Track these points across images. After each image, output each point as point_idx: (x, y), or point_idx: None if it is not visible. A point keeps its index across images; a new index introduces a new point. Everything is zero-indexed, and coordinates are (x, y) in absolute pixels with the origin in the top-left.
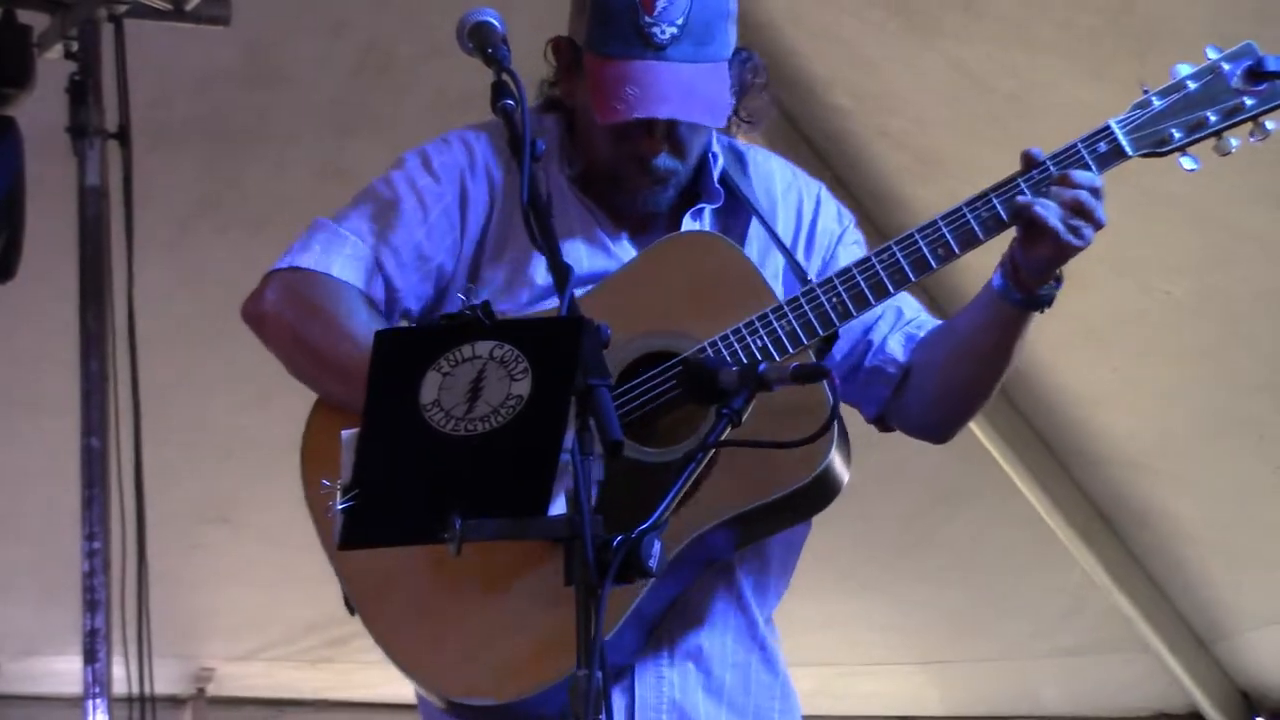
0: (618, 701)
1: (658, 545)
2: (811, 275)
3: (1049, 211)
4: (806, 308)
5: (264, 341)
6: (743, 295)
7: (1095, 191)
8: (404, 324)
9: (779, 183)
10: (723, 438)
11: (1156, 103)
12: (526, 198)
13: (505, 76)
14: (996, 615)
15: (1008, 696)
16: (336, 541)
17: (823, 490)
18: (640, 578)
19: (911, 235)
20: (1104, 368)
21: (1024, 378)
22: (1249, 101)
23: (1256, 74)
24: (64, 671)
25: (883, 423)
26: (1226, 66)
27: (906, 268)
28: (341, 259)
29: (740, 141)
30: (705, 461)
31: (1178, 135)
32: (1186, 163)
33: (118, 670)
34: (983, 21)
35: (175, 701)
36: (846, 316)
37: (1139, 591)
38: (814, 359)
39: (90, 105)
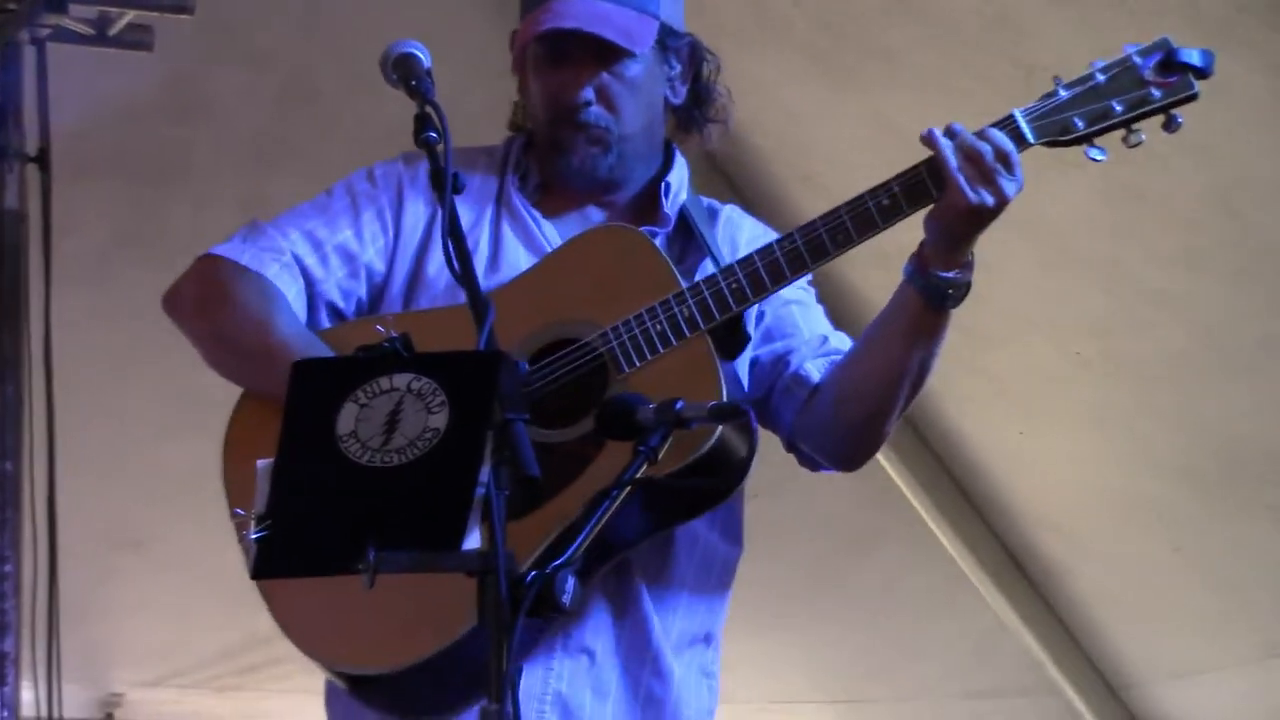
0: None
1: (571, 581)
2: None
3: (948, 154)
4: (706, 293)
5: (179, 326)
6: (650, 285)
7: (1002, 156)
8: (331, 321)
9: (746, 233)
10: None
11: (1063, 93)
12: (447, 229)
13: (428, 109)
14: (908, 656)
15: None
16: (249, 572)
17: (717, 466)
18: (554, 613)
19: (813, 222)
20: (1013, 428)
21: (938, 423)
22: (1156, 93)
23: (1168, 66)
24: None
25: (794, 447)
26: (1139, 60)
27: (805, 253)
28: (255, 250)
29: (718, 202)
30: (619, 499)
31: (1080, 124)
32: (1095, 154)
33: (26, 694)
34: (902, 72)
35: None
36: (743, 301)
37: (1049, 636)
38: (720, 361)
39: (10, 127)
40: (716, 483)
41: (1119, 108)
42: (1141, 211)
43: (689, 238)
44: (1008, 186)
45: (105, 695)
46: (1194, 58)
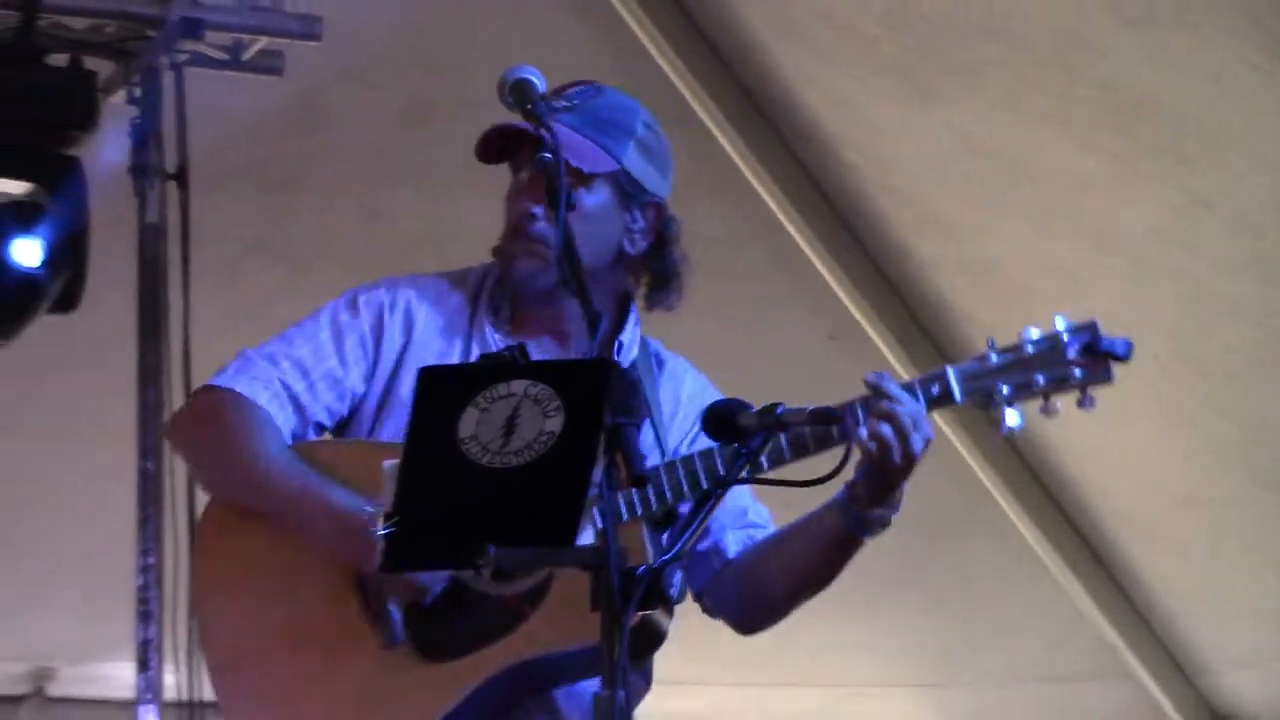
0: None
1: (679, 575)
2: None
3: (862, 428)
4: (651, 489)
5: (178, 453)
6: None
7: (912, 418)
8: (319, 437)
9: (688, 388)
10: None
11: (994, 357)
12: (559, 247)
13: (544, 132)
14: (987, 642)
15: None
16: (378, 564)
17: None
18: (660, 605)
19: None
20: (1088, 425)
21: None
22: (1077, 373)
23: (1092, 350)
24: (117, 677)
25: (699, 600)
26: (1067, 338)
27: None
28: (247, 379)
29: (666, 350)
30: (720, 499)
31: (1005, 391)
32: (1011, 417)
33: (168, 678)
34: (981, 90)
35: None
36: (680, 499)
37: (1124, 623)
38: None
39: (151, 147)
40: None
41: (1041, 381)
42: (1211, 222)
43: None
44: (913, 443)
45: None
46: (1116, 347)
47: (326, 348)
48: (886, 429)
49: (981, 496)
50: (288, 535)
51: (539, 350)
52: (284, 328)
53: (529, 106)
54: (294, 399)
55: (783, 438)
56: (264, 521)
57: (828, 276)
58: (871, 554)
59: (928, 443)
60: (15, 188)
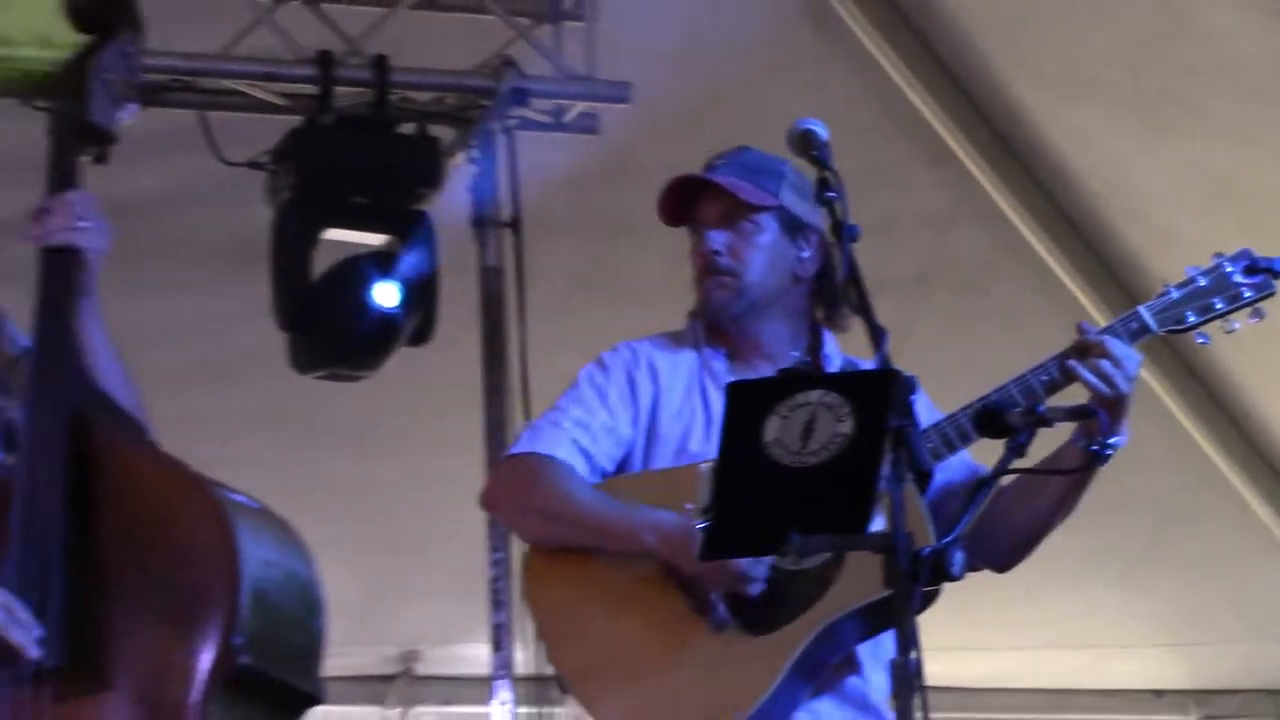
0: None
1: (960, 555)
2: None
3: (1082, 369)
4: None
5: (496, 515)
6: None
7: (1115, 359)
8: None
9: None
10: (1008, 467)
11: (1174, 294)
12: (847, 272)
13: (827, 174)
14: (1231, 605)
15: (1248, 673)
16: (698, 553)
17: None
18: (946, 581)
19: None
20: None
21: (1254, 411)
22: (1247, 293)
23: (1252, 269)
24: (474, 656)
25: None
26: (1228, 266)
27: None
28: (544, 441)
29: (857, 359)
30: (990, 492)
31: (1191, 317)
32: (1201, 339)
33: (518, 654)
34: (1211, 123)
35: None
36: (939, 457)
37: None
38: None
39: (488, 201)
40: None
41: (1220, 304)
42: None
43: None
44: (1119, 381)
45: None
46: (1275, 263)
47: (595, 405)
48: (1106, 364)
49: (1215, 477)
50: (608, 557)
51: (753, 373)
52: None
53: (813, 153)
54: (583, 451)
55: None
56: (583, 552)
57: (1076, 293)
58: (1118, 531)
59: (1139, 365)
60: (375, 239)
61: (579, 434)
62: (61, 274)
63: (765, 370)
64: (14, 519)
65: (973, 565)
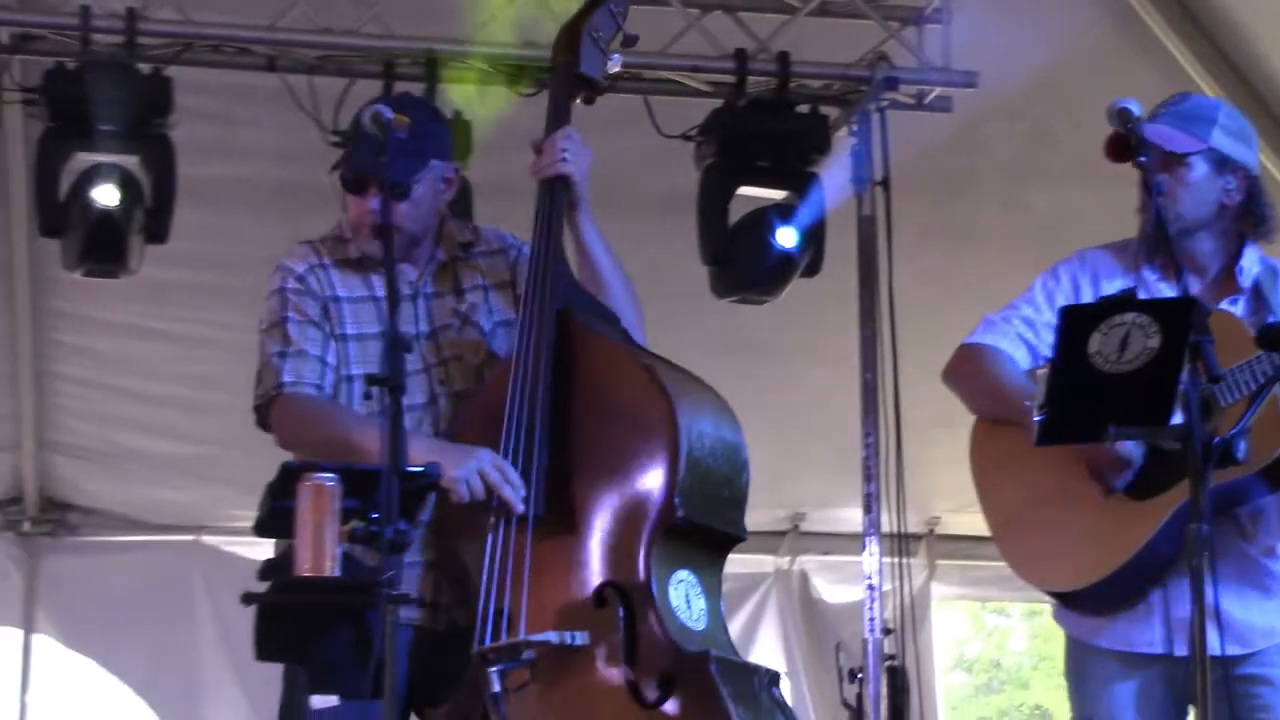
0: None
1: (1243, 445)
2: None
3: None
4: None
5: (949, 387)
6: (1239, 351)
7: None
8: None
9: None
10: None
11: None
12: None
13: (1138, 143)
14: None
15: None
16: (1034, 439)
17: None
18: (1231, 464)
19: None
20: None
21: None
22: None
23: None
24: (849, 518)
25: None
26: None
27: None
28: (990, 334)
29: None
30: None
31: None
32: None
33: (884, 517)
34: None
35: (916, 537)
36: None
37: None
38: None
39: (864, 165)
40: None
41: None
42: None
43: (1260, 300)
44: None
45: (928, 517)
46: None
47: (1042, 305)
48: None
49: None
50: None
51: (1191, 285)
52: (948, 291)
53: (1129, 125)
54: (1026, 342)
55: None
56: (1015, 424)
57: None
58: None
59: None
60: (778, 195)
61: (1023, 329)
62: (551, 198)
63: (1194, 283)
64: (510, 399)
65: None
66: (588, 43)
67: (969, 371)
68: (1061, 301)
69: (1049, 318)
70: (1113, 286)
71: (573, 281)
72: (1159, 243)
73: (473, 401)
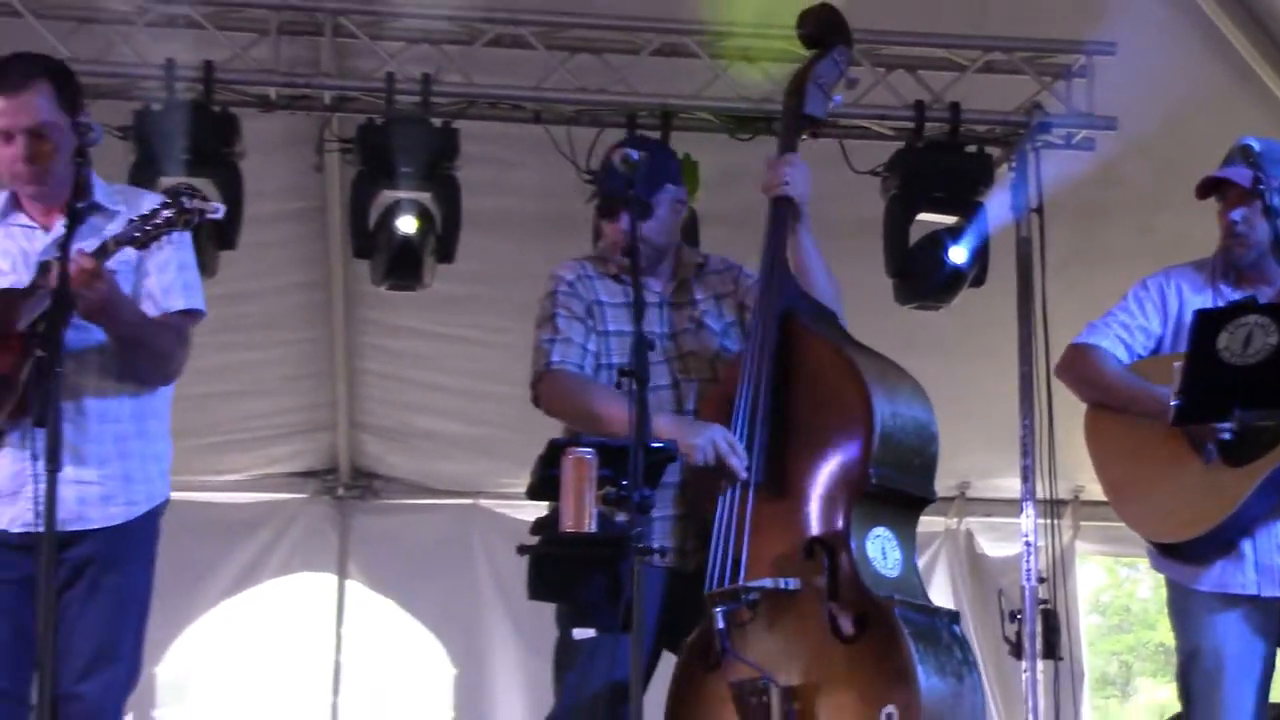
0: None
1: None
2: None
3: None
4: None
5: (1060, 380)
6: None
7: None
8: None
9: None
10: None
11: None
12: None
13: (1259, 174)
14: None
15: None
16: (1171, 420)
17: None
18: None
19: None
20: None
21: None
22: None
23: None
24: (1008, 486)
25: None
26: None
27: None
28: (1093, 335)
29: None
30: None
31: None
32: None
33: (1038, 485)
34: None
35: (1064, 503)
36: None
37: None
38: None
39: (1022, 195)
40: None
41: None
42: None
43: None
44: None
45: (1074, 485)
46: None
47: (1135, 311)
48: None
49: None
50: (1134, 415)
51: (1259, 295)
52: (1089, 300)
53: (1250, 159)
54: (1123, 342)
55: None
56: (1120, 409)
57: None
58: None
59: None
60: (950, 219)
61: (1121, 331)
62: (778, 215)
63: (1265, 292)
64: (740, 386)
65: None
66: (813, 88)
67: (1077, 366)
68: (1150, 309)
69: (1141, 321)
70: (1194, 299)
71: (795, 286)
72: (1235, 262)
73: (711, 388)
